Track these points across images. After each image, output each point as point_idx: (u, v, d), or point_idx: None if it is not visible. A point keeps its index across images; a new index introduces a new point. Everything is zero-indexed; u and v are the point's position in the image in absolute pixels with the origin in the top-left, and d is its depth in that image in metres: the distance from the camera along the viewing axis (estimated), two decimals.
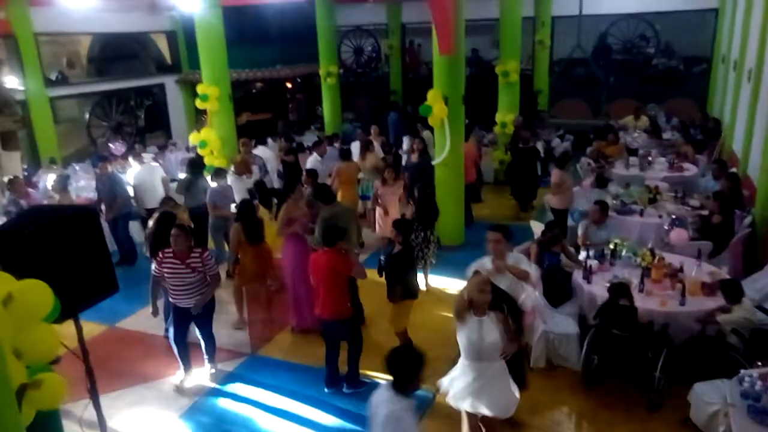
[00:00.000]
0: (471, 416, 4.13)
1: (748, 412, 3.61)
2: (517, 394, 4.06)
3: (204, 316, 5.54)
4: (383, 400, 3.27)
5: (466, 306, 3.78)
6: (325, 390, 5.43)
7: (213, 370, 5.78)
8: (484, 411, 3.94)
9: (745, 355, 4.60)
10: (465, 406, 4.02)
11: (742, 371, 3.92)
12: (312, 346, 6.16)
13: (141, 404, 5.38)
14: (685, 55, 16.42)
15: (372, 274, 5.81)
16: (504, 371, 3.96)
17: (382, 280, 5.67)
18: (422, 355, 3.32)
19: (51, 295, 2.80)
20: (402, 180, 8.57)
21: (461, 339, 3.84)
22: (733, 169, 8.80)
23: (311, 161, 9.99)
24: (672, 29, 16.00)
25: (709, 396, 4.36)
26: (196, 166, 8.71)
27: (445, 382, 4.14)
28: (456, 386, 4.00)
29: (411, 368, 3.27)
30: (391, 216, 7.80)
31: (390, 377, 3.32)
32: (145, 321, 6.82)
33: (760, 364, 4.14)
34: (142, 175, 9.11)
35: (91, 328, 6.47)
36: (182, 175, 8.77)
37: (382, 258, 5.92)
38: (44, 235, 3.23)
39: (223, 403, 5.38)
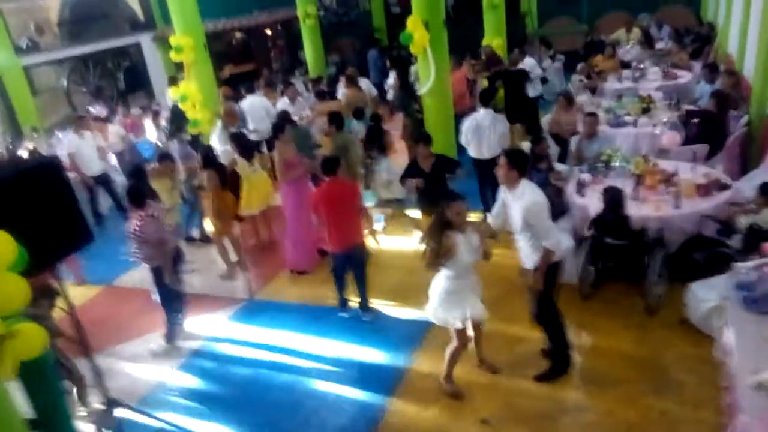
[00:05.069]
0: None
1: (742, 302, 3.55)
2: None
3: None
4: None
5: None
6: (339, 314, 5.61)
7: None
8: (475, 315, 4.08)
9: (739, 253, 4.52)
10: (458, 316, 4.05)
11: (737, 264, 3.84)
12: (307, 286, 6.18)
13: (140, 356, 5.39)
14: None
15: None
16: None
17: None
18: None
19: (13, 243, 2.73)
20: (400, 115, 8.39)
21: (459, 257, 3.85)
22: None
23: (281, 104, 9.74)
24: None
25: (704, 294, 4.31)
26: None
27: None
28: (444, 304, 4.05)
29: None
30: (399, 152, 8.18)
31: None
32: (140, 276, 6.82)
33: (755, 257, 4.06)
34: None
35: (89, 290, 6.50)
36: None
37: None
38: (5, 189, 3.12)
39: (223, 348, 5.41)
